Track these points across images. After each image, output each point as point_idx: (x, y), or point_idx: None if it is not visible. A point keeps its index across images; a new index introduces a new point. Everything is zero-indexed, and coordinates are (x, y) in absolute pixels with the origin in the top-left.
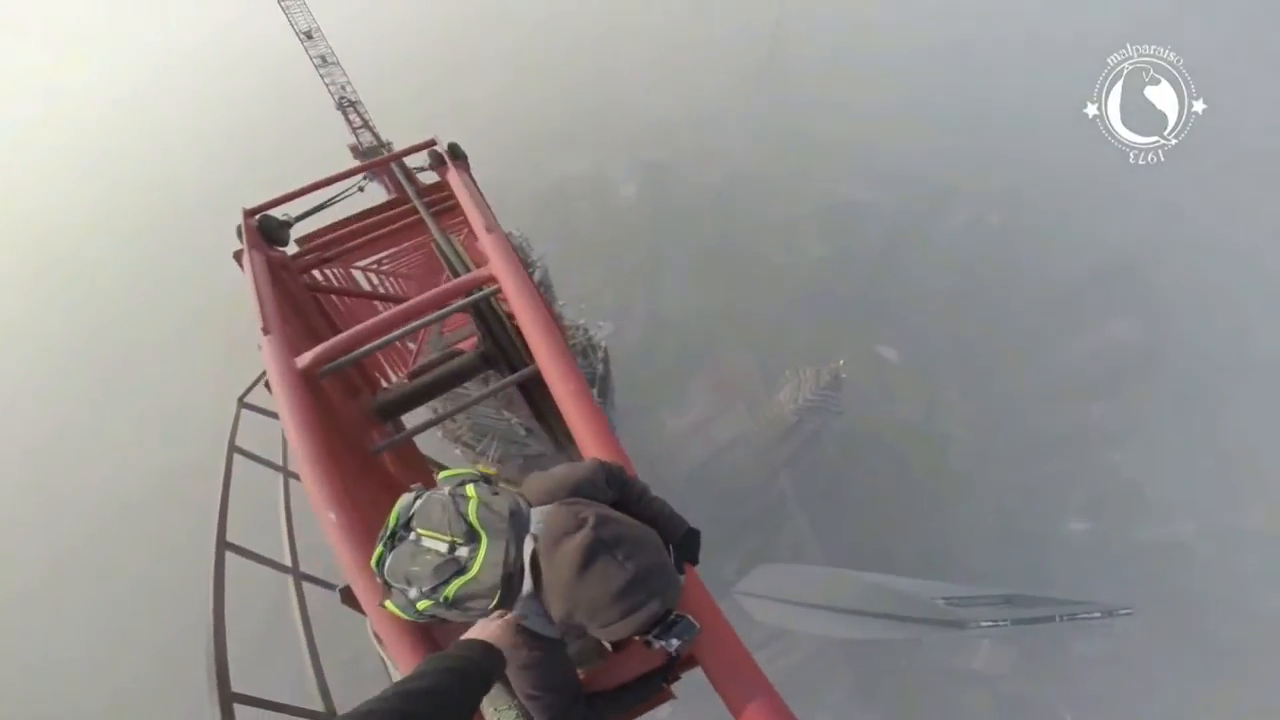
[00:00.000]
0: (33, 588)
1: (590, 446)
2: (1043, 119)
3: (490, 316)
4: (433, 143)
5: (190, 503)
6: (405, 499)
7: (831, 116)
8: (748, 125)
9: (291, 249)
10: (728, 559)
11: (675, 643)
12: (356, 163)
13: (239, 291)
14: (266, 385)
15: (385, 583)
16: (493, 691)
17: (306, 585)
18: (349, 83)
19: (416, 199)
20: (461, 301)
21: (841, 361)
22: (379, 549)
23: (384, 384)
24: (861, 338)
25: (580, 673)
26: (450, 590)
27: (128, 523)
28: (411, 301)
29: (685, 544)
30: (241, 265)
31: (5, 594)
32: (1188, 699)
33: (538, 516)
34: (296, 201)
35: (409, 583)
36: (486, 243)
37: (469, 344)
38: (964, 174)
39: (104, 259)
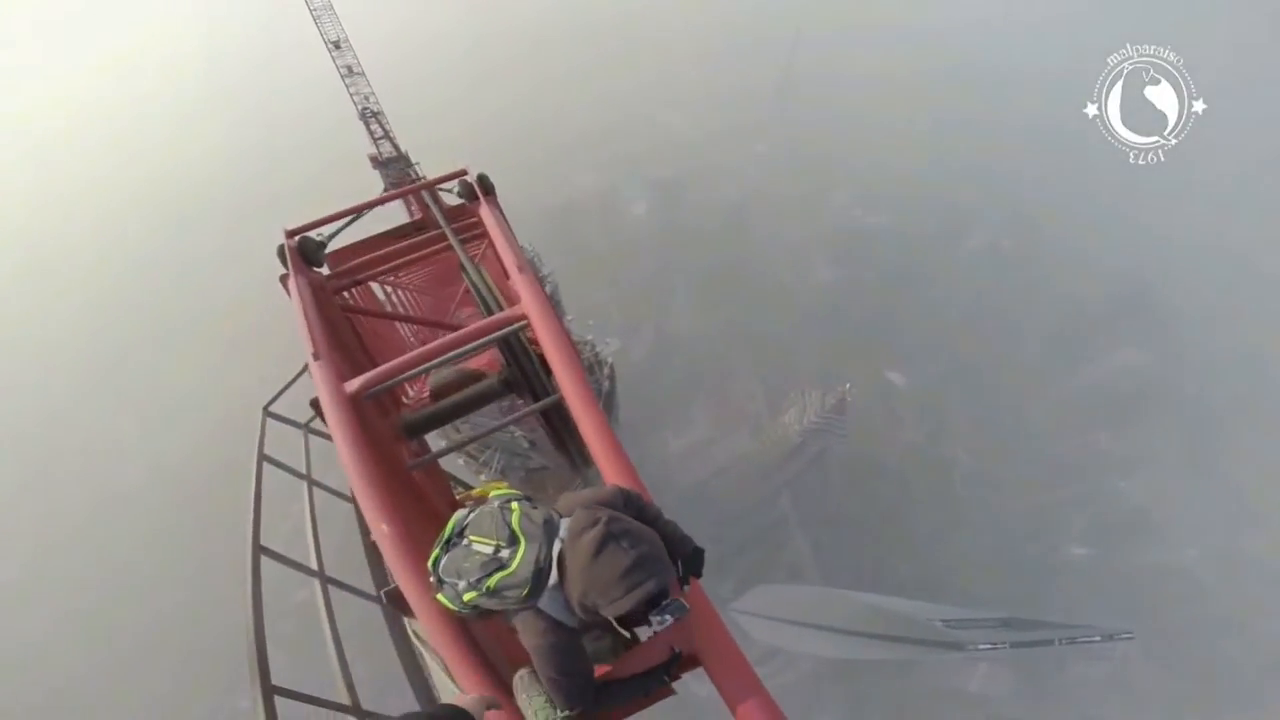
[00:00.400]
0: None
1: (611, 475)
2: (1049, 130)
3: (518, 348)
4: (464, 173)
5: (202, 500)
6: (460, 513)
7: (843, 137)
8: (760, 145)
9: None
10: (725, 578)
11: (669, 619)
12: (375, 172)
13: (242, 294)
14: (313, 405)
15: (438, 579)
16: (525, 680)
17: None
18: (373, 93)
19: (452, 235)
20: (494, 335)
21: (848, 386)
22: (435, 552)
23: (404, 399)
24: (869, 362)
25: (596, 668)
26: (491, 581)
27: (137, 521)
28: (452, 335)
29: (691, 560)
30: (288, 289)
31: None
32: None
33: (566, 525)
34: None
35: (459, 576)
36: (519, 282)
37: (478, 361)
38: (976, 197)
39: (109, 258)
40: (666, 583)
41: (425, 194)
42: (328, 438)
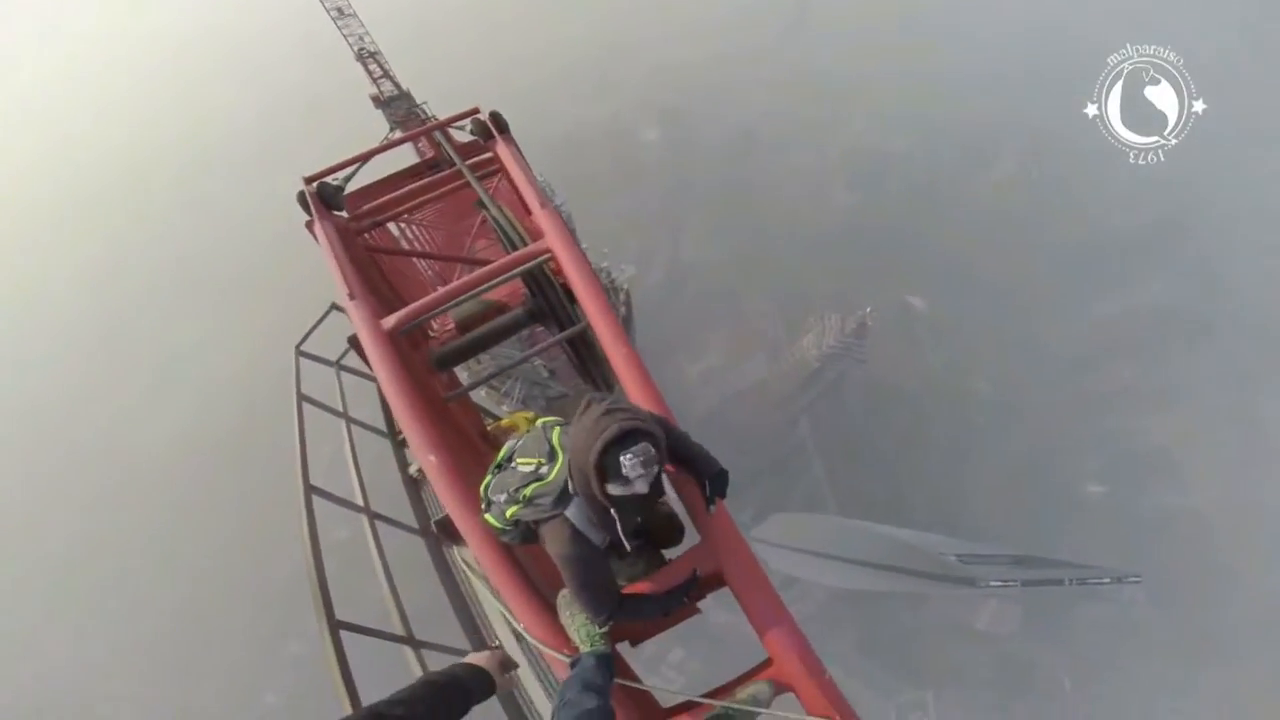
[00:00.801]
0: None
1: (638, 400)
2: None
3: (543, 280)
4: (476, 111)
5: (231, 445)
6: (511, 442)
7: (862, 60)
8: (775, 70)
9: None
10: (743, 506)
11: (636, 460)
12: (379, 113)
13: (256, 244)
14: (351, 343)
15: (487, 500)
16: (566, 599)
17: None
18: (367, 33)
19: (469, 173)
20: (521, 269)
21: (869, 309)
22: (487, 478)
23: (430, 332)
24: (889, 286)
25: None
26: (528, 490)
27: (167, 474)
28: (481, 270)
29: (716, 480)
30: (314, 235)
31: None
32: (1186, 672)
33: None
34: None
35: (502, 491)
36: (541, 217)
37: (495, 294)
38: (1005, 121)
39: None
40: (637, 428)
41: (438, 133)
42: (359, 375)
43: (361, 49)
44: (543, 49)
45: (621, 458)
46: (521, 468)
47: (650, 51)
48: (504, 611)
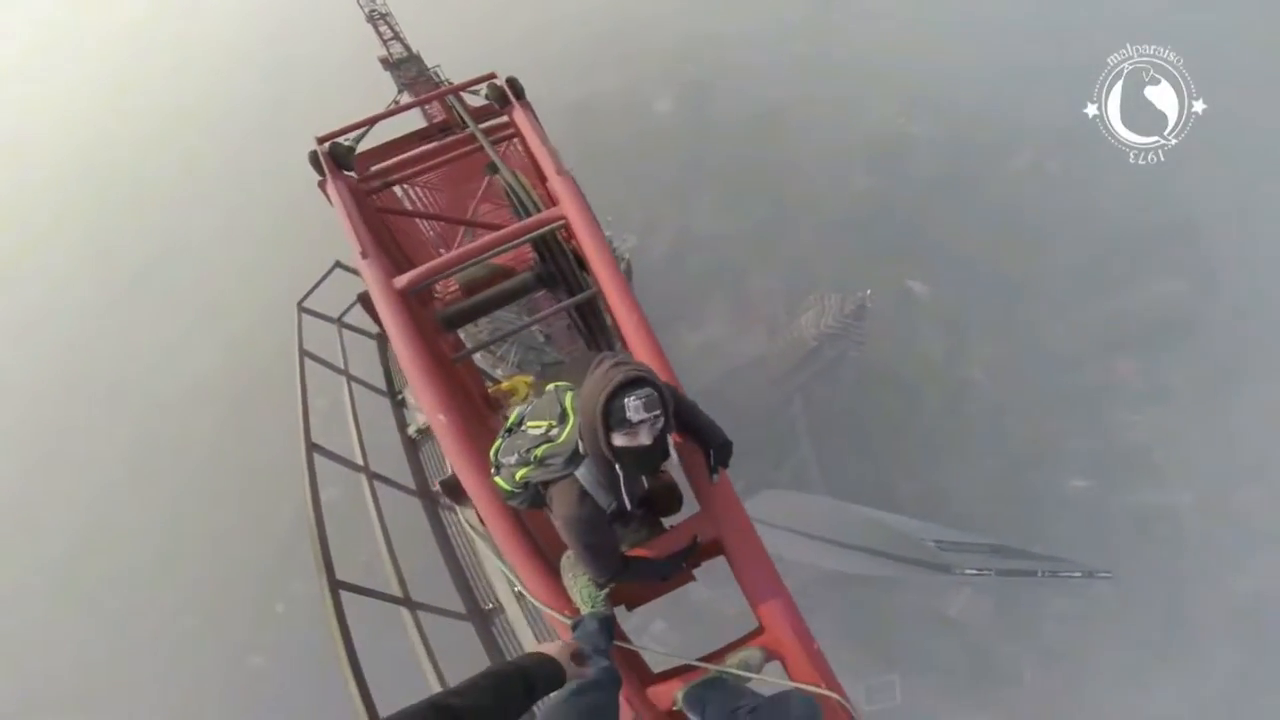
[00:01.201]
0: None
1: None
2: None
3: (555, 246)
4: (493, 76)
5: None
6: (521, 407)
7: (888, 40)
8: (799, 46)
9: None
10: (733, 480)
11: (639, 404)
12: (388, 75)
13: (259, 202)
14: (361, 301)
15: (496, 464)
16: (570, 561)
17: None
18: None
19: (483, 138)
20: (534, 234)
21: (869, 291)
22: (498, 441)
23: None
24: (893, 270)
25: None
26: (539, 451)
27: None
28: (494, 234)
29: (721, 450)
30: (327, 194)
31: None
32: (1147, 668)
33: None
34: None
35: (513, 453)
36: (557, 184)
37: (503, 258)
38: (1024, 115)
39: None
40: (642, 376)
41: (452, 97)
42: (360, 332)
43: (373, 10)
44: (560, 18)
45: (626, 400)
46: (532, 430)
47: (673, 24)
48: (506, 572)
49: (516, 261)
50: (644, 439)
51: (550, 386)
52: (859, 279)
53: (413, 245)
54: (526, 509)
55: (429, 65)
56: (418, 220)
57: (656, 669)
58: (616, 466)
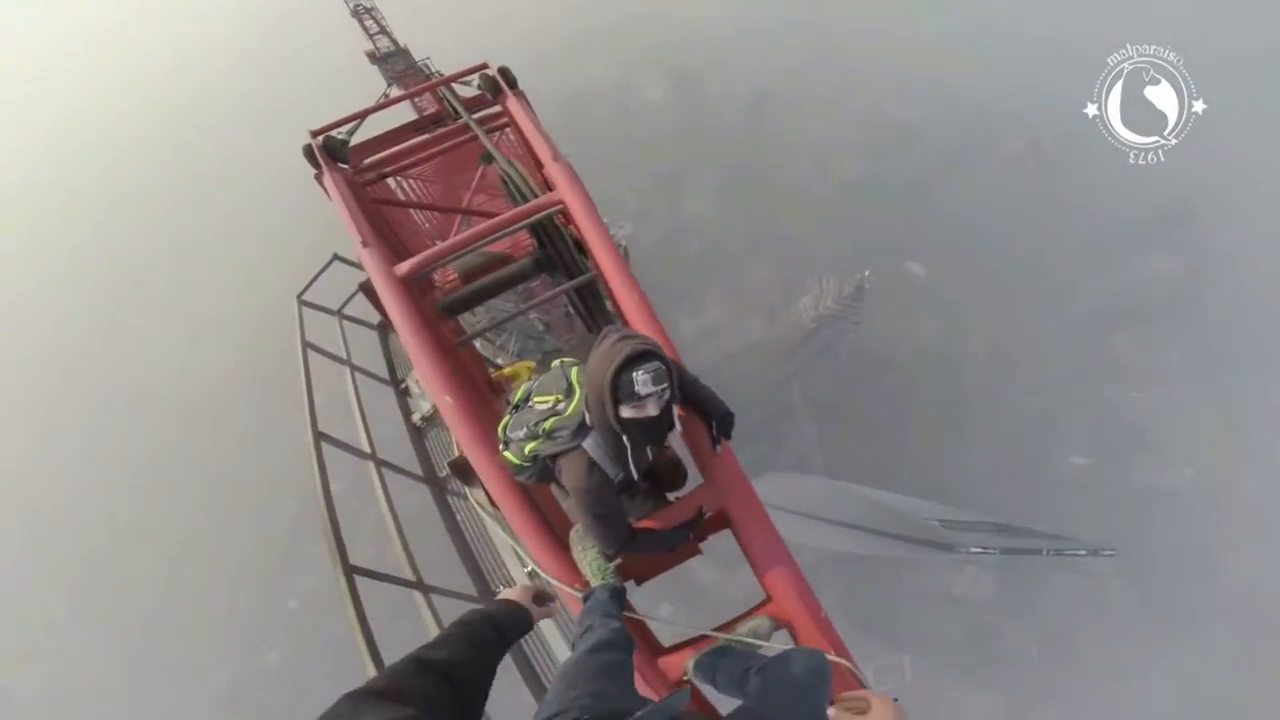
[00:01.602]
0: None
1: None
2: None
3: (553, 231)
4: (484, 66)
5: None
6: (528, 384)
7: (881, 25)
8: (789, 33)
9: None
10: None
11: (647, 377)
12: (375, 69)
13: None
14: (363, 290)
15: (505, 439)
16: (579, 534)
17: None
18: None
19: (477, 127)
20: (531, 220)
21: (867, 272)
22: (506, 417)
23: (433, 282)
24: (891, 252)
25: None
26: (547, 424)
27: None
28: (493, 221)
29: (723, 422)
30: (323, 187)
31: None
32: (1150, 646)
33: None
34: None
35: (521, 428)
36: (554, 170)
37: (500, 246)
38: (1021, 99)
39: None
40: (649, 350)
41: (444, 89)
42: (360, 323)
43: (358, 4)
44: (551, 10)
45: (634, 374)
46: (539, 405)
47: (664, 10)
48: (517, 548)
49: (514, 250)
50: (651, 411)
51: (556, 362)
52: (857, 261)
53: (408, 237)
54: (535, 483)
55: (418, 58)
56: (413, 212)
57: (666, 645)
58: (624, 438)
